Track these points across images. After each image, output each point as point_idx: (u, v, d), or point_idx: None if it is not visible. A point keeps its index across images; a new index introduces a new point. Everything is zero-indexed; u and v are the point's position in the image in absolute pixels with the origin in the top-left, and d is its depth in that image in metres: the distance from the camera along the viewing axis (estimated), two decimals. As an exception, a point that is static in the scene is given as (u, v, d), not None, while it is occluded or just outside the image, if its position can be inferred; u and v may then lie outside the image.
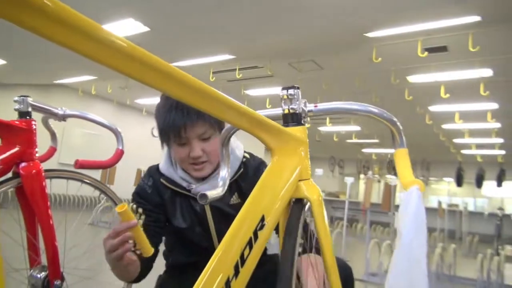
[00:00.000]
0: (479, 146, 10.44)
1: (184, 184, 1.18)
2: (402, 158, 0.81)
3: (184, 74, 0.46)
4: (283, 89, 0.74)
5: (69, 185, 1.45)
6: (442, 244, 4.32)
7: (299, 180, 0.72)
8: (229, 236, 0.57)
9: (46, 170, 1.29)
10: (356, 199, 10.94)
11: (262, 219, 0.60)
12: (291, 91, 0.73)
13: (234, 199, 1.21)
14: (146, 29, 5.16)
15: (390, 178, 6.09)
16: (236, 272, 0.54)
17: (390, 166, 11.52)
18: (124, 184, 6.81)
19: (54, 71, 7.82)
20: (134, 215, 1.11)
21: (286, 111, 0.74)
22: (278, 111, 0.76)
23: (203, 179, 1.18)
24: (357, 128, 10.00)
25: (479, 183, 10.35)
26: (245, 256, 0.56)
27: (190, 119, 1.07)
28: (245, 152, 1.27)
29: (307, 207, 0.72)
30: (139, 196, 1.21)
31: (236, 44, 5.58)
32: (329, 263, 0.75)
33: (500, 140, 9.61)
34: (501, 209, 8.86)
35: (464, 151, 11.28)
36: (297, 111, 0.74)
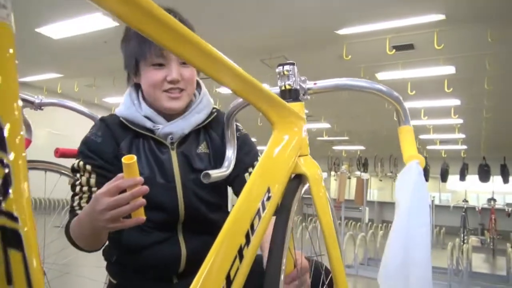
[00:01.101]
0: (443, 142, 10.86)
1: (148, 124, 1.03)
2: (406, 134, 0.83)
3: (192, 33, 0.45)
4: (279, 65, 0.75)
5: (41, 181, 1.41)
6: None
7: (299, 156, 0.72)
8: (239, 206, 0.57)
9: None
10: (328, 195, 11.09)
11: (268, 191, 0.61)
12: (287, 67, 0.74)
13: (202, 148, 1.07)
14: (114, 24, 5.05)
15: (360, 174, 6.26)
16: (248, 241, 0.55)
17: (360, 163, 11.80)
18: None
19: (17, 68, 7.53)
20: (81, 174, 0.99)
21: (284, 88, 0.75)
22: (275, 89, 0.77)
23: (171, 118, 1.04)
24: (327, 125, 10.17)
25: (444, 177, 10.76)
26: (254, 226, 0.57)
27: None
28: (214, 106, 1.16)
29: (305, 184, 0.73)
30: (87, 149, 1.01)
31: (207, 40, 5.54)
32: (329, 242, 0.75)
33: (463, 136, 10.04)
34: (465, 201, 9.26)
35: (429, 147, 11.69)
36: (295, 87, 0.75)
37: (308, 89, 0.79)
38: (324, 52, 5.70)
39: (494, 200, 8.99)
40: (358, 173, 9.16)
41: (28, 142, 1.47)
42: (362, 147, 12.94)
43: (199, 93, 1.12)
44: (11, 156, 0.27)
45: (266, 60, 6.14)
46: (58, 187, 1.50)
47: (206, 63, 0.49)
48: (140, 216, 0.77)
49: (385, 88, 0.82)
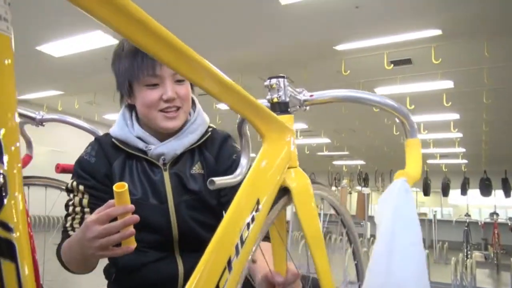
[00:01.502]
0: (443, 156, 10.86)
1: (141, 144, 1.02)
2: (411, 148, 0.81)
3: (183, 44, 0.46)
4: (268, 78, 0.76)
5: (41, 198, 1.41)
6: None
7: (289, 168, 0.73)
8: (229, 217, 0.58)
9: (24, 177, 1.25)
10: (329, 211, 11.04)
11: (258, 202, 0.61)
12: (274, 81, 0.75)
13: (196, 168, 1.05)
14: (115, 41, 5.10)
15: (361, 189, 6.24)
16: (237, 252, 0.55)
17: (361, 178, 11.77)
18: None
19: (17, 86, 7.56)
20: (74, 194, 0.99)
21: (274, 100, 0.75)
22: (264, 102, 0.78)
23: (164, 138, 1.03)
24: (327, 140, 10.18)
25: (445, 192, 10.72)
26: (244, 238, 0.57)
27: None
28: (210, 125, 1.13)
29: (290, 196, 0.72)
30: (81, 169, 1.00)
31: (205, 58, 5.59)
32: (315, 255, 0.74)
33: (463, 150, 10.04)
34: (468, 215, 9.20)
35: (429, 161, 11.68)
36: (284, 100, 0.75)
37: (305, 100, 0.79)
38: (322, 67, 5.75)
39: (497, 215, 8.93)
40: (359, 188, 9.13)
41: (29, 158, 1.48)
42: (362, 162, 12.93)
43: (194, 111, 1.09)
44: (6, 166, 0.27)
45: (265, 77, 6.16)
46: (58, 204, 1.49)
47: (194, 73, 0.50)
48: (131, 244, 0.76)
49: (389, 100, 0.80)
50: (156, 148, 1.01)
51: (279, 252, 0.79)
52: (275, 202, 0.69)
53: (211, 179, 0.63)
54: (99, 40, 5.07)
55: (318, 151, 11.40)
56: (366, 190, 5.44)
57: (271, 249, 0.79)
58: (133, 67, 0.97)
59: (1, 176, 0.26)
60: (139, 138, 1.02)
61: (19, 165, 0.28)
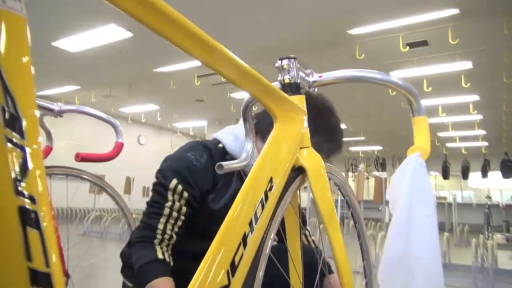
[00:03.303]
0: (463, 139, 10.65)
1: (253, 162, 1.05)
2: (418, 125, 0.82)
3: (191, 24, 0.47)
4: (279, 59, 0.77)
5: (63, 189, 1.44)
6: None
7: (301, 148, 0.74)
8: (242, 195, 0.59)
9: (45, 167, 1.29)
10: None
11: (271, 181, 0.62)
12: (285, 61, 0.75)
13: None
14: (129, 34, 5.15)
15: (378, 173, 6.20)
16: (251, 228, 0.56)
17: (378, 163, 11.66)
18: (114, 193, 6.76)
19: (36, 82, 7.71)
20: (174, 198, 0.93)
21: (286, 81, 0.76)
22: (276, 84, 0.78)
23: None
24: (343, 126, 10.06)
25: (465, 175, 10.54)
26: (258, 215, 0.58)
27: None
28: None
29: (304, 175, 0.73)
30: (189, 174, 0.94)
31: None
32: (330, 230, 0.75)
33: (483, 132, 9.82)
34: (489, 197, 9.05)
35: (448, 144, 11.48)
36: (295, 81, 0.76)
37: (314, 81, 0.80)
38: (337, 52, 5.68)
39: (519, 196, 8.75)
40: (376, 173, 9.06)
41: (49, 149, 1.51)
42: (379, 147, 12.79)
43: None
44: (27, 141, 0.28)
45: (279, 63, 6.15)
46: (77, 197, 1.53)
47: (205, 54, 0.51)
48: None
49: (394, 78, 0.81)
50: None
51: (293, 230, 0.81)
52: (291, 181, 0.71)
53: (219, 164, 0.65)
54: (113, 33, 5.13)
55: (334, 138, 11.29)
56: (383, 175, 5.40)
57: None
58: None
59: (23, 150, 0.28)
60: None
61: (39, 140, 0.30)
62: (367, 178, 10.14)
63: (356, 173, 7.09)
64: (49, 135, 1.51)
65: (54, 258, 0.28)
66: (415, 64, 5.78)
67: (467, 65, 5.71)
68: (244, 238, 0.55)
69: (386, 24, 4.66)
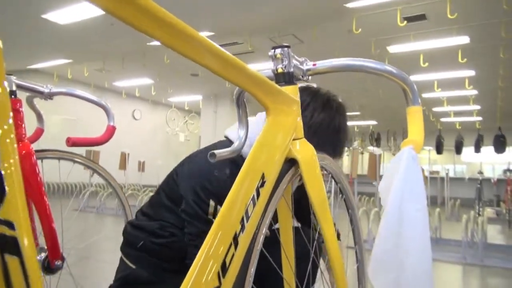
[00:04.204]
0: (457, 114, 10.67)
1: None
2: (413, 116, 0.80)
3: (177, 20, 0.45)
4: (272, 48, 0.74)
5: (53, 169, 1.43)
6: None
7: (294, 139, 0.73)
8: (233, 193, 0.58)
9: (36, 151, 1.27)
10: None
11: (263, 177, 0.62)
12: (279, 50, 0.73)
13: None
14: (121, 8, 5.01)
15: (372, 149, 6.23)
16: (242, 227, 0.56)
17: (373, 138, 11.70)
18: (108, 168, 6.74)
19: (26, 55, 7.57)
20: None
21: (279, 71, 0.74)
22: (268, 72, 0.76)
23: None
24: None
25: (458, 149, 10.62)
26: (249, 212, 0.58)
27: None
28: None
29: (297, 167, 0.72)
30: (223, 192, 0.97)
31: (215, 20, 5.49)
32: (323, 222, 0.75)
33: (477, 107, 9.84)
34: (481, 173, 9.16)
35: (443, 119, 11.51)
36: (288, 70, 0.74)
37: (307, 70, 0.78)
38: (333, 27, 5.58)
39: (510, 171, 8.87)
40: (370, 148, 9.11)
41: (41, 131, 1.49)
42: (374, 122, 12.80)
43: None
44: (3, 163, 0.27)
45: (275, 38, 6.05)
46: (72, 173, 1.53)
47: (187, 47, 0.48)
48: None
49: (389, 67, 0.79)
50: None
51: (285, 221, 0.81)
52: (283, 173, 0.70)
53: (211, 152, 0.64)
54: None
55: (329, 112, 11.28)
56: (377, 151, 5.42)
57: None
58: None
59: (-1, 173, 0.27)
60: None
61: (17, 158, 0.28)
62: (362, 153, 10.19)
63: (351, 148, 7.11)
64: (40, 117, 1.48)
65: (37, 286, 0.27)
66: (412, 38, 5.71)
67: (464, 40, 5.65)
68: (235, 238, 0.54)
69: (384, -3, 4.56)
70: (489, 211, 8.06)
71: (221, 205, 0.90)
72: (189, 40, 0.48)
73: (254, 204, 0.59)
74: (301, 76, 0.79)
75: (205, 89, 10.13)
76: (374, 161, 5.26)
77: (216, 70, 0.54)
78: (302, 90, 1.06)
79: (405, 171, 0.69)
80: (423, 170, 8.47)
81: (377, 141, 11.43)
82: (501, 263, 3.67)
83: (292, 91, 0.74)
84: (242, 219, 0.56)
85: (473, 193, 8.42)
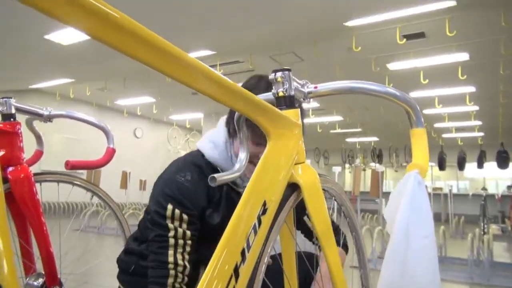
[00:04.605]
0: (459, 129, 10.66)
1: (238, 181, 1.02)
2: (417, 138, 0.78)
3: (172, 46, 0.43)
4: (273, 71, 0.74)
5: (53, 190, 1.42)
6: (429, 227, 4.39)
7: (296, 164, 0.71)
8: (234, 222, 0.56)
9: (35, 174, 1.26)
10: (343, 188, 11.02)
11: (264, 204, 0.60)
12: (280, 74, 0.73)
13: None
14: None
15: (375, 166, 6.20)
16: (243, 258, 0.54)
17: (374, 155, 11.67)
18: (110, 187, 6.72)
19: (29, 75, 7.63)
20: (175, 225, 0.91)
21: (280, 94, 0.73)
22: (269, 95, 0.76)
23: None
24: (339, 118, 10.08)
25: (461, 165, 10.58)
26: (250, 242, 0.56)
27: None
28: None
29: (299, 192, 0.71)
30: (183, 197, 0.93)
31: (216, 39, 5.54)
32: (325, 246, 0.73)
33: (479, 123, 9.83)
34: (484, 189, 9.09)
35: (445, 135, 11.50)
36: (289, 94, 0.73)
37: (309, 92, 0.77)
38: (333, 45, 5.63)
39: (514, 187, 8.80)
40: (373, 164, 9.08)
41: (40, 153, 1.49)
42: (376, 138, 12.80)
43: None
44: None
45: (275, 56, 6.10)
46: (73, 193, 1.51)
47: (186, 75, 0.47)
48: None
49: (391, 89, 0.78)
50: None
51: (287, 246, 0.79)
52: (286, 199, 0.69)
53: (212, 176, 0.62)
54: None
55: (330, 129, 11.31)
56: (379, 168, 5.39)
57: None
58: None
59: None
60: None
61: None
62: (364, 170, 10.15)
63: (353, 165, 7.09)
64: (39, 139, 1.48)
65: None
66: (411, 56, 5.75)
67: (463, 56, 5.68)
68: (236, 269, 0.52)
69: (383, 16, 4.61)
70: (494, 228, 7.96)
71: (179, 209, 0.92)
72: (185, 66, 0.47)
73: (256, 233, 0.57)
74: (302, 99, 0.78)
75: (206, 107, 10.16)
76: (377, 178, 5.23)
77: (214, 96, 0.53)
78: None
79: (411, 197, 0.67)
80: (426, 187, 8.37)
81: (379, 158, 11.39)
82: (509, 283, 3.60)
83: (293, 115, 0.73)
84: (243, 250, 0.54)
85: (477, 209, 8.33)
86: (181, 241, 0.92)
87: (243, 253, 0.54)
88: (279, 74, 0.74)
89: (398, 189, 0.69)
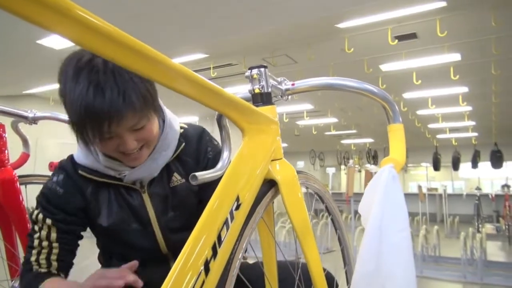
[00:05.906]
0: (453, 130, 10.72)
1: (112, 172, 0.93)
2: (394, 133, 0.80)
3: (136, 40, 0.42)
4: (249, 69, 0.74)
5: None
6: (425, 227, 4.41)
7: (273, 160, 0.72)
8: (205, 217, 0.56)
9: (20, 176, 1.26)
10: (339, 190, 11.04)
11: (238, 199, 0.60)
12: (255, 71, 0.73)
13: (175, 180, 0.98)
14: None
15: (369, 167, 6.22)
16: (214, 253, 0.54)
17: (370, 156, 11.71)
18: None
19: (22, 81, 7.60)
20: (39, 226, 0.93)
21: (256, 91, 0.74)
22: (246, 93, 0.76)
23: None
24: (334, 120, 10.10)
25: (455, 166, 10.62)
26: (222, 237, 0.56)
27: (116, 111, 0.77)
28: (180, 123, 1.04)
29: (276, 188, 0.71)
30: (47, 202, 0.93)
31: (209, 41, 5.55)
32: (303, 243, 0.73)
33: (472, 123, 9.89)
34: (478, 188, 9.13)
35: (439, 136, 11.55)
36: (266, 90, 0.74)
37: (286, 90, 0.77)
38: (326, 46, 5.65)
39: (508, 186, 8.85)
40: (367, 166, 9.10)
41: (26, 156, 1.48)
42: (371, 140, 12.84)
43: (163, 124, 0.97)
44: None
45: (268, 59, 6.11)
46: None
47: (155, 71, 0.47)
48: None
49: (369, 86, 0.79)
50: (131, 173, 0.92)
51: (267, 244, 0.79)
52: (262, 195, 0.69)
53: (193, 174, 0.62)
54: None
55: (325, 131, 11.34)
56: (374, 169, 5.40)
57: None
58: (78, 120, 0.81)
59: None
60: (107, 167, 0.93)
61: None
62: (359, 171, 10.16)
63: (347, 166, 7.10)
64: (25, 142, 1.48)
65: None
66: (404, 57, 5.78)
67: (455, 57, 5.72)
68: (206, 264, 0.52)
69: (375, 17, 4.63)
70: (488, 227, 7.99)
71: (47, 216, 0.92)
72: (160, 67, 0.47)
73: (228, 228, 0.57)
74: (280, 96, 0.79)
75: (201, 110, 10.16)
76: (370, 179, 5.23)
77: (191, 95, 0.53)
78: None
79: (385, 191, 0.67)
80: (421, 187, 8.45)
81: (374, 159, 11.43)
82: (502, 281, 3.61)
83: (270, 111, 0.74)
84: (214, 244, 0.54)
85: (471, 209, 8.38)
86: (45, 243, 0.93)
87: (214, 248, 0.54)
88: (254, 71, 0.74)
89: (373, 183, 0.70)
